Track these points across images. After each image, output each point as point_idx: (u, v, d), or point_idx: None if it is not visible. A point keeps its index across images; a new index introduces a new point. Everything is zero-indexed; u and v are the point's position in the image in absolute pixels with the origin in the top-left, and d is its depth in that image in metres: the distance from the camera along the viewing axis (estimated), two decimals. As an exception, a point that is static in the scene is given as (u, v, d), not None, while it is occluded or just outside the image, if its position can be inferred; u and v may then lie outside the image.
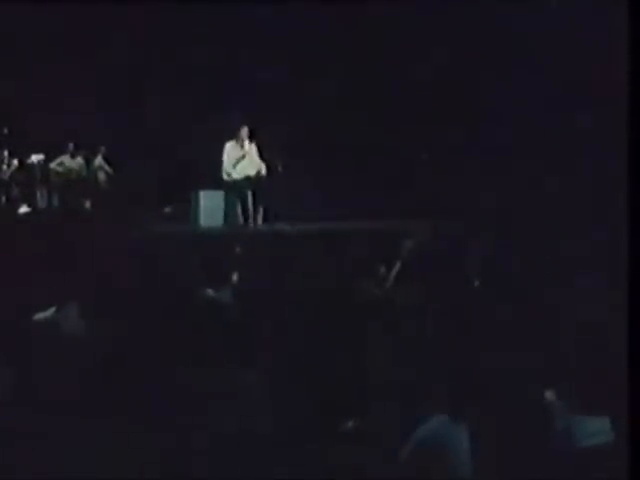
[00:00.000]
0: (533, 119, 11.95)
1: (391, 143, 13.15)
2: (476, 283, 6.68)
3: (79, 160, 14.16)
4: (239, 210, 11.36)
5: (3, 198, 13.55)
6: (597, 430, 3.92)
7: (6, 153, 13.55)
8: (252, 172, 11.38)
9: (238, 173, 11.34)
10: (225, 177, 11.39)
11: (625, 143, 4.26)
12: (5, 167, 13.53)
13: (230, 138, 11.47)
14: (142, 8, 12.32)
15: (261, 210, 11.51)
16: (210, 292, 6.48)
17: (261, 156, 11.58)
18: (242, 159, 11.32)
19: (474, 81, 12.34)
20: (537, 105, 11.89)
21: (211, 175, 11.77)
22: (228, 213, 11.50)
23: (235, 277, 7.24)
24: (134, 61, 13.50)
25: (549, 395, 4.09)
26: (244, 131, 11.36)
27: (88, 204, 14.05)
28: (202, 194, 11.84)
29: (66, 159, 14.04)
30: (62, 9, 12.42)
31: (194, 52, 13.36)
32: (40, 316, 5.69)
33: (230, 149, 11.39)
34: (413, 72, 12.89)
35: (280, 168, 12.37)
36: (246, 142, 11.39)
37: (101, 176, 14.37)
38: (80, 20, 12.93)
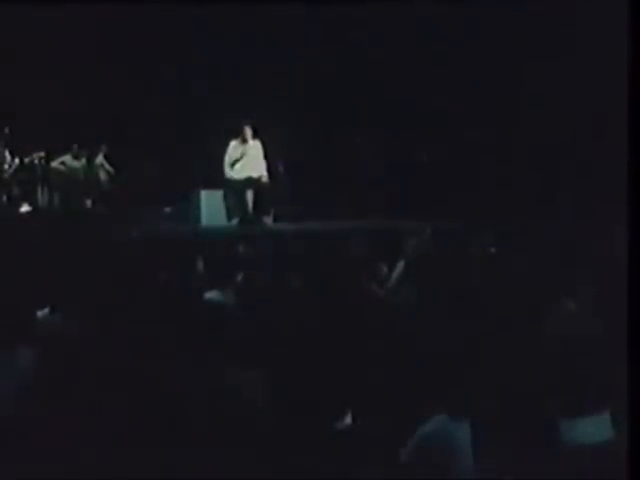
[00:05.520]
0: (533, 119, 11.98)
1: (391, 143, 13.19)
2: (476, 283, 6.68)
3: (81, 159, 14.17)
4: (239, 210, 11.37)
5: (4, 197, 13.56)
6: (597, 429, 3.92)
7: (7, 152, 13.56)
8: (251, 173, 11.37)
9: (237, 173, 11.34)
10: (226, 176, 11.43)
11: (625, 144, 4.26)
12: (6, 166, 13.54)
13: (231, 138, 11.49)
14: (143, 7, 12.35)
15: (272, 211, 11.53)
16: (211, 292, 6.48)
17: (265, 155, 11.54)
18: (241, 159, 11.31)
19: (474, 82, 12.36)
20: (537, 105, 11.91)
21: (212, 175, 11.79)
22: (229, 213, 11.52)
23: (236, 277, 7.24)
24: (135, 60, 13.52)
25: (548, 394, 4.10)
26: (246, 130, 11.34)
27: (89, 203, 14.09)
28: (203, 193, 11.86)
29: (67, 158, 14.04)
30: (63, 9, 12.45)
31: (195, 51, 13.39)
32: (39, 316, 5.68)
33: (231, 148, 11.39)
34: (414, 73, 12.91)
35: (281, 169, 12.39)
36: (249, 141, 11.38)
37: (102, 175, 14.38)
38: (81, 19, 12.96)
